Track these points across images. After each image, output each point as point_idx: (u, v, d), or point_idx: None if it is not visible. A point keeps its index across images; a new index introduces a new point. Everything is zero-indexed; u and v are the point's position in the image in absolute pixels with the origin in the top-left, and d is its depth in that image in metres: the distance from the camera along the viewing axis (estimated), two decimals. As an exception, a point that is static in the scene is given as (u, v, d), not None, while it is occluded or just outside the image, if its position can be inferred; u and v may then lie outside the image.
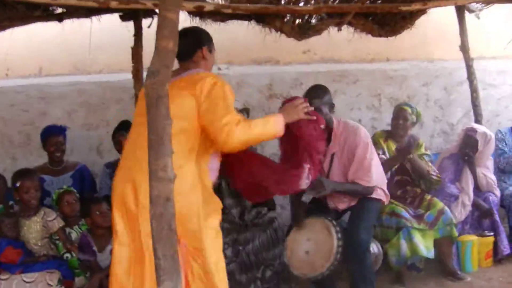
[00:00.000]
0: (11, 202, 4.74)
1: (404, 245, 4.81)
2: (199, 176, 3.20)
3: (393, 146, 5.26)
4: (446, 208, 5.04)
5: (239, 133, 3.13)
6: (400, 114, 5.31)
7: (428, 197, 5.17)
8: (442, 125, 6.89)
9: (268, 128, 3.30)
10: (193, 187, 3.15)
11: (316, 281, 4.21)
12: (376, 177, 4.29)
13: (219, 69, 6.27)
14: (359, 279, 4.10)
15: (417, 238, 4.84)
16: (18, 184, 4.48)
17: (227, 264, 4.55)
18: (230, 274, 4.56)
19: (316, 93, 4.26)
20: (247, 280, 4.71)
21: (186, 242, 3.07)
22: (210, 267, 3.20)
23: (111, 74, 6.09)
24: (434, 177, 5.15)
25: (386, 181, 4.54)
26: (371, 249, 4.37)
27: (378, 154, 4.79)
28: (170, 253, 2.45)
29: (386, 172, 4.80)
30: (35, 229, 4.49)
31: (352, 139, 4.24)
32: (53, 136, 5.15)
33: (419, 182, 5.26)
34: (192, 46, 3.39)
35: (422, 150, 5.29)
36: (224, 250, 4.47)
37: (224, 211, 4.88)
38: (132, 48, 5.04)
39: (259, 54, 6.51)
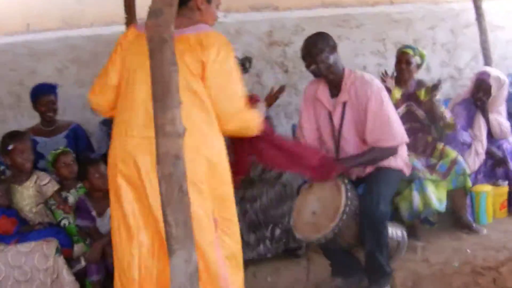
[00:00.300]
0: (2, 167, 4.48)
1: (416, 197, 4.57)
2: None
3: (399, 92, 5.01)
4: (460, 157, 4.80)
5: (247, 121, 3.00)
6: (402, 57, 5.03)
7: (440, 146, 4.93)
8: (449, 70, 6.62)
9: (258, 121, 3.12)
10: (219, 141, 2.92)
11: (323, 246, 3.88)
12: (400, 131, 3.84)
13: (217, 17, 5.97)
14: (375, 248, 3.69)
15: (430, 189, 4.60)
16: (10, 147, 4.20)
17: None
18: (237, 234, 4.44)
19: (311, 43, 3.85)
20: (255, 240, 4.54)
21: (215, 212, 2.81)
22: (239, 239, 3.02)
23: (103, 27, 5.77)
24: (448, 120, 4.91)
25: (406, 150, 4.09)
26: (393, 232, 3.98)
27: None
28: (182, 219, 2.21)
29: None
30: (28, 195, 4.24)
31: (363, 92, 3.77)
32: (43, 95, 4.87)
33: (430, 129, 5.03)
34: None
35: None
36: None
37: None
38: (124, -2, 4.75)
39: (257, 0, 6.18)
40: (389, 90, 4.76)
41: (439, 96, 5.07)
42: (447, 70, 6.59)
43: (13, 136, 4.30)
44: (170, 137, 2.18)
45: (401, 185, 4.54)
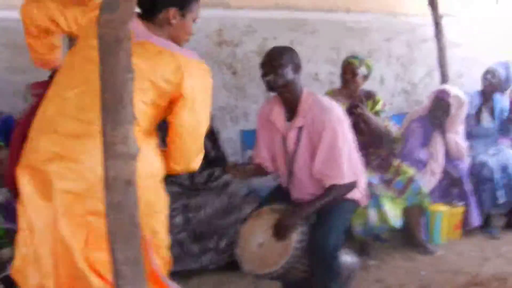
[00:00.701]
0: None
1: (372, 214, 4.30)
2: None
3: (342, 106, 4.70)
4: (417, 176, 4.58)
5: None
6: (347, 68, 4.71)
7: (396, 162, 4.68)
8: (403, 84, 6.43)
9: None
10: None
11: (276, 279, 3.50)
12: (349, 171, 3.42)
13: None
14: (327, 281, 3.34)
15: (387, 206, 4.35)
16: None
17: (177, 233, 3.99)
18: (181, 244, 4.05)
19: (276, 54, 3.43)
20: (199, 250, 4.16)
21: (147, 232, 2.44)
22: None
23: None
24: (394, 130, 4.62)
25: (364, 178, 3.74)
26: (345, 259, 3.58)
27: None
28: (133, 256, 1.84)
29: None
30: None
31: (321, 119, 3.35)
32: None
33: (381, 143, 4.73)
34: (157, 1, 2.52)
35: (379, 107, 4.73)
36: (173, 217, 3.94)
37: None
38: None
39: (207, -4, 5.78)
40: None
41: (387, 108, 4.80)
42: (401, 84, 6.39)
43: None
44: (121, 159, 1.81)
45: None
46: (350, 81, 4.69)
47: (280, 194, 3.65)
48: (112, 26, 1.75)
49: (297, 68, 3.44)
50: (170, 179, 4.04)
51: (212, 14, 5.76)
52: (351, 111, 4.58)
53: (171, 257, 2.67)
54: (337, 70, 5.96)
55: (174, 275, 2.71)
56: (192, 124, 2.54)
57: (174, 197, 3.97)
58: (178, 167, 2.65)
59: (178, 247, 3.96)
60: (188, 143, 2.57)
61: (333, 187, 3.37)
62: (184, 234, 4.05)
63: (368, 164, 4.60)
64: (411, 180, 4.52)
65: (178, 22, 2.58)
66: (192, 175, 4.31)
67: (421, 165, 4.92)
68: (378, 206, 4.33)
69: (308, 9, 6.08)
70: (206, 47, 5.69)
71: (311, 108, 3.40)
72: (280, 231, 3.32)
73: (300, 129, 3.43)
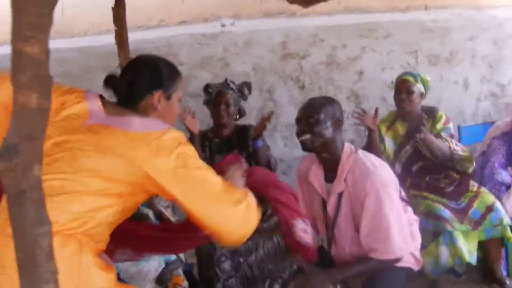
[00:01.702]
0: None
1: (445, 252, 3.89)
2: None
3: (401, 129, 4.34)
4: (498, 204, 4.05)
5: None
6: (402, 87, 4.32)
7: (474, 186, 4.19)
8: (490, 86, 5.80)
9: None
10: None
11: None
12: (400, 243, 3.00)
13: (223, 25, 5.32)
14: None
15: (461, 240, 3.91)
16: None
17: (226, 280, 3.81)
18: (230, 291, 3.86)
19: (313, 109, 3.04)
20: (251, 297, 3.93)
21: None
22: None
23: (95, 37, 5.18)
24: (460, 153, 4.15)
25: (419, 242, 3.29)
26: None
27: None
28: None
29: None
30: None
31: (362, 185, 2.94)
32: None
33: (453, 166, 4.24)
34: (140, 87, 2.22)
35: (440, 125, 4.28)
36: (221, 263, 3.75)
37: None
38: (113, 9, 4.16)
39: (271, 4, 5.44)
40: (371, 130, 4.09)
41: (450, 125, 4.31)
42: (488, 86, 5.79)
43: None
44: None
45: (424, 239, 3.81)
46: (405, 100, 4.32)
47: (323, 256, 3.28)
48: (14, 175, 1.46)
49: (337, 123, 3.06)
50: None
51: (275, 24, 5.50)
52: (411, 134, 4.24)
53: None
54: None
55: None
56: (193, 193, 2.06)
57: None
58: (228, 242, 2.19)
59: (227, 295, 3.80)
60: (212, 215, 2.09)
61: (374, 259, 3.00)
62: (233, 281, 3.85)
63: (440, 191, 4.21)
64: (490, 209, 4.02)
65: (163, 106, 2.24)
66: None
67: (504, 187, 4.40)
68: (452, 243, 3.90)
69: (380, 10, 5.62)
70: (270, 61, 5.44)
71: (351, 171, 3.02)
72: None
73: (340, 194, 3.08)
